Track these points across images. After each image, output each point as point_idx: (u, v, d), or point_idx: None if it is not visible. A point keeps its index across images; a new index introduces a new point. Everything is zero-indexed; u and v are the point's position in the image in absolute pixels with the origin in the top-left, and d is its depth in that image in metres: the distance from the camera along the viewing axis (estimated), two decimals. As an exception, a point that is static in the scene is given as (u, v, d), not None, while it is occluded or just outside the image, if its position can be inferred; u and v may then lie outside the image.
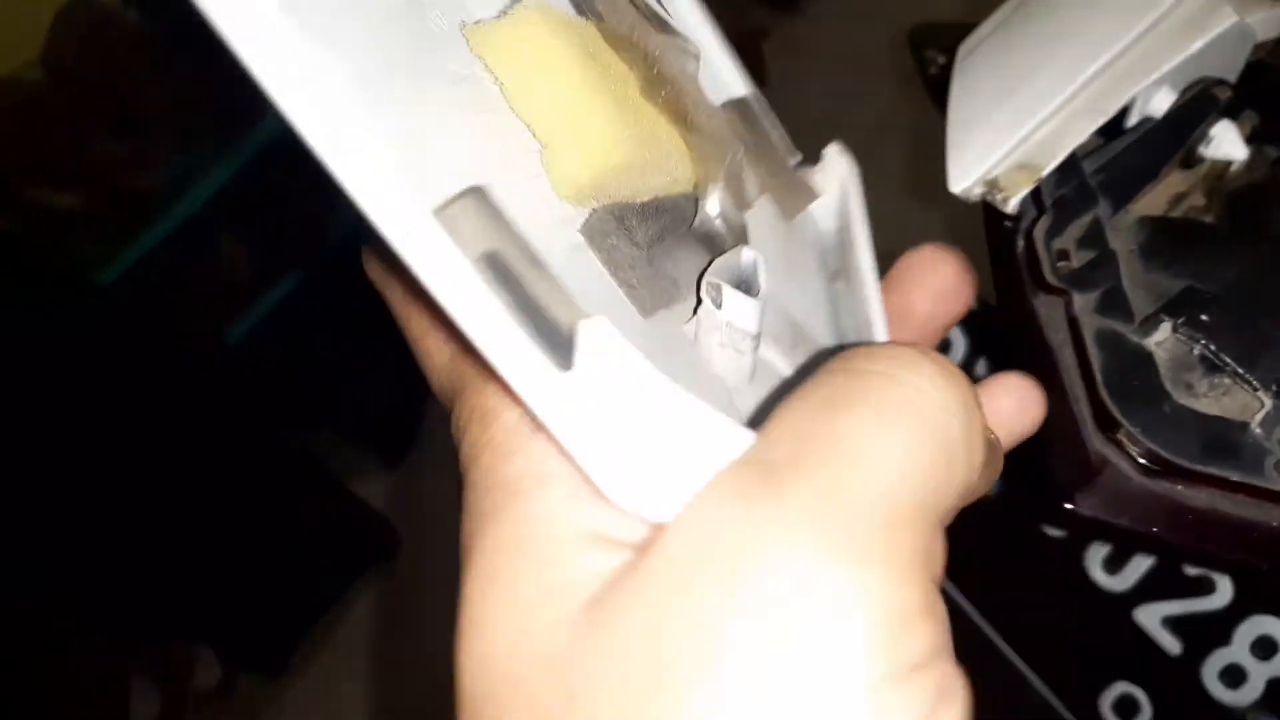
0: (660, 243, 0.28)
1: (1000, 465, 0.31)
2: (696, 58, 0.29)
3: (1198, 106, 0.54)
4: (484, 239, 0.20)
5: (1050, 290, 0.48)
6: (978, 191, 0.52)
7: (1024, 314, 0.49)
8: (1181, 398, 0.44)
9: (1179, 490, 0.43)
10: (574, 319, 0.20)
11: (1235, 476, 0.42)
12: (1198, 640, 0.74)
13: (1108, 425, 0.43)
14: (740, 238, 0.30)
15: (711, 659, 0.18)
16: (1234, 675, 0.72)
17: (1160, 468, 0.42)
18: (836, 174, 0.36)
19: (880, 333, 0.32)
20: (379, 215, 0.18)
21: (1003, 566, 0.86)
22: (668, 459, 0.20)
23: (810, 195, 0.36)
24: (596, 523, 0.21)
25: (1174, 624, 0.74)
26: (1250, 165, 0.62)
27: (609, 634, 0.19)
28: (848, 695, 0.18)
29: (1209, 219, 0.61)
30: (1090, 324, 0.47)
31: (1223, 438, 0.43)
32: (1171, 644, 0.74)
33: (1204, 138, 0.55)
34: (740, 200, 0.30)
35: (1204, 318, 0.44)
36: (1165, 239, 0.50)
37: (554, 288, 0.21)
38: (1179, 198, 0.59)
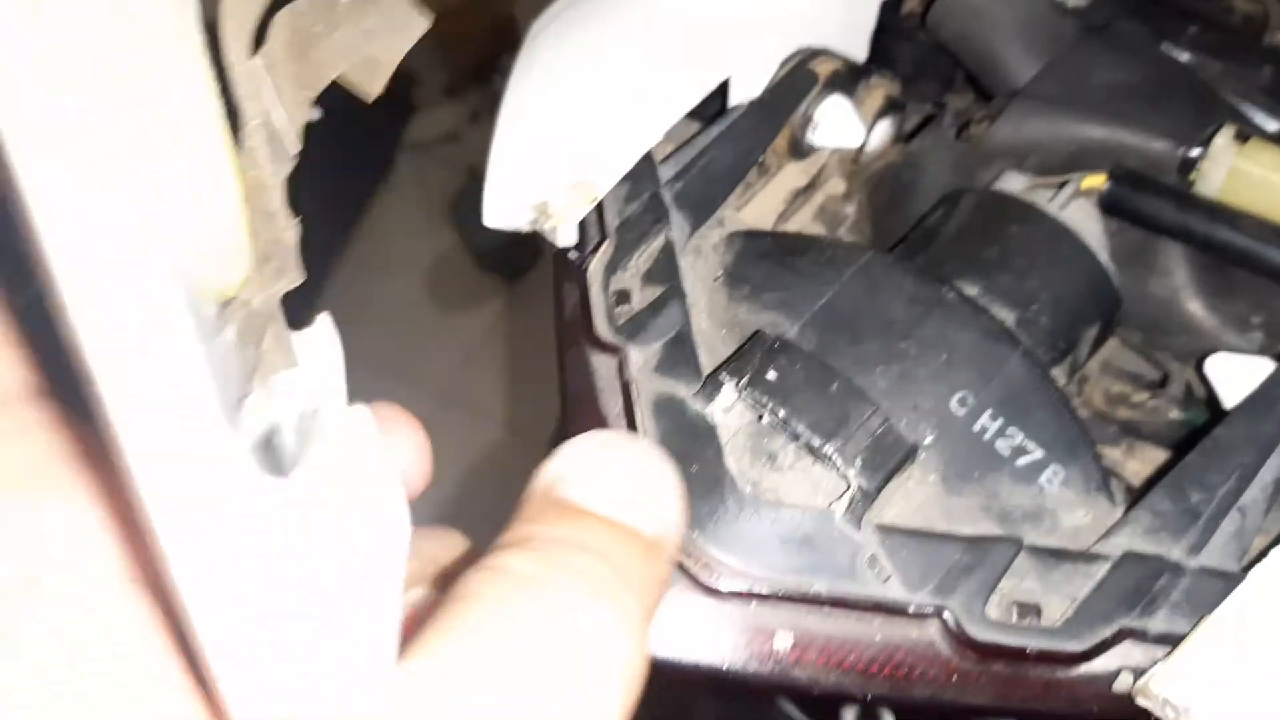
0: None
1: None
2: (290, 161, 0.24)
3: (792, 85, 0.44)
4: None
5: (602, 347, 0.37)
6: (526, 220, 0.41)
7: (579, 379, 0.38)
8: (764, 474, 0.34)
9: (752, 610, 0.33)
10: None
11: (819, 585, 0.32)
12: None
13: (658, 535, 0.33)
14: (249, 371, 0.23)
15: None
16: None
17: (728, 589, 0.32)
18: (319, 349, 0.26)
19: None
20: None
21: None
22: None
23: (285, 361, 0.25)
24: None
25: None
26: (894, 138, 0.53)
27: None
28: None
29: (848, 210, 0.51)
30: (649, 388, 0.36)
31: (804, 534, 0.33)
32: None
33: (808, 121, 0.45)
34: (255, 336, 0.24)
35: (771, 374, 0.34)
36: (754, 258, 0.40)
37: None
38: (801, 193, 0.49)
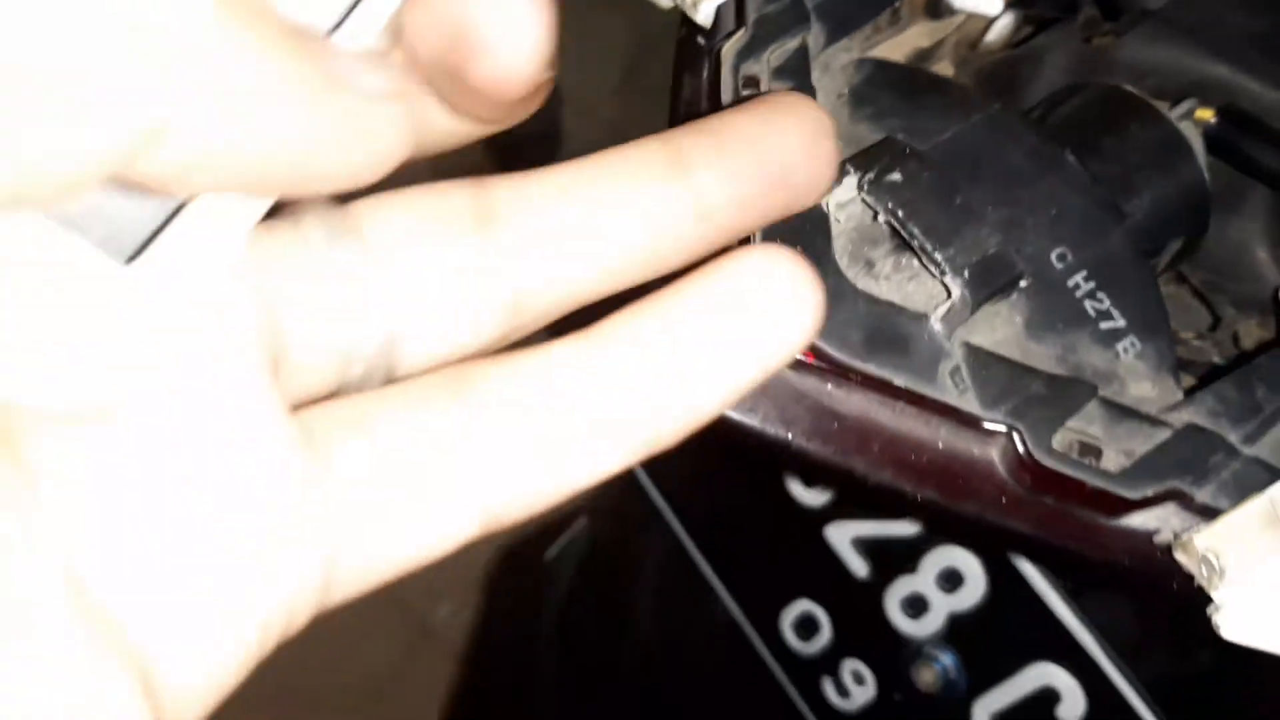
0: None
1: None
2: None
3: (952, -67, 0.44)
4: None
5: (726, 122, 0.37)
6: (668, -8, 0.40)
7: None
8: (859, 277, 0.35)
9: (827, 390, 0.33)
10: None
11: (900, 380, 0.33)
12: (885, 565, 0.68)
13: (755, 298, 0.33)
14: None
15: None
16: (916, 605, 0.67)
17: (804, 359, 0.33)
18: None
19: None
20: None
21: (707, 476, 0.79)
22: None
23: None
24: None
25: (864, 546, 0.68)
26: (1011, 38, 0.53)
27: None
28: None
29: (953, 89, 0.51)
30: (766, 171, 0.36)
31: (894, 331, 0.33)
32: (859, 566, 0.68)
33: (955, -23, 0.45)
34: None
35: (896, 176, 0.34)
36: (882, 84, 0.40)
37: None
38: (922, 55, 0.49)
